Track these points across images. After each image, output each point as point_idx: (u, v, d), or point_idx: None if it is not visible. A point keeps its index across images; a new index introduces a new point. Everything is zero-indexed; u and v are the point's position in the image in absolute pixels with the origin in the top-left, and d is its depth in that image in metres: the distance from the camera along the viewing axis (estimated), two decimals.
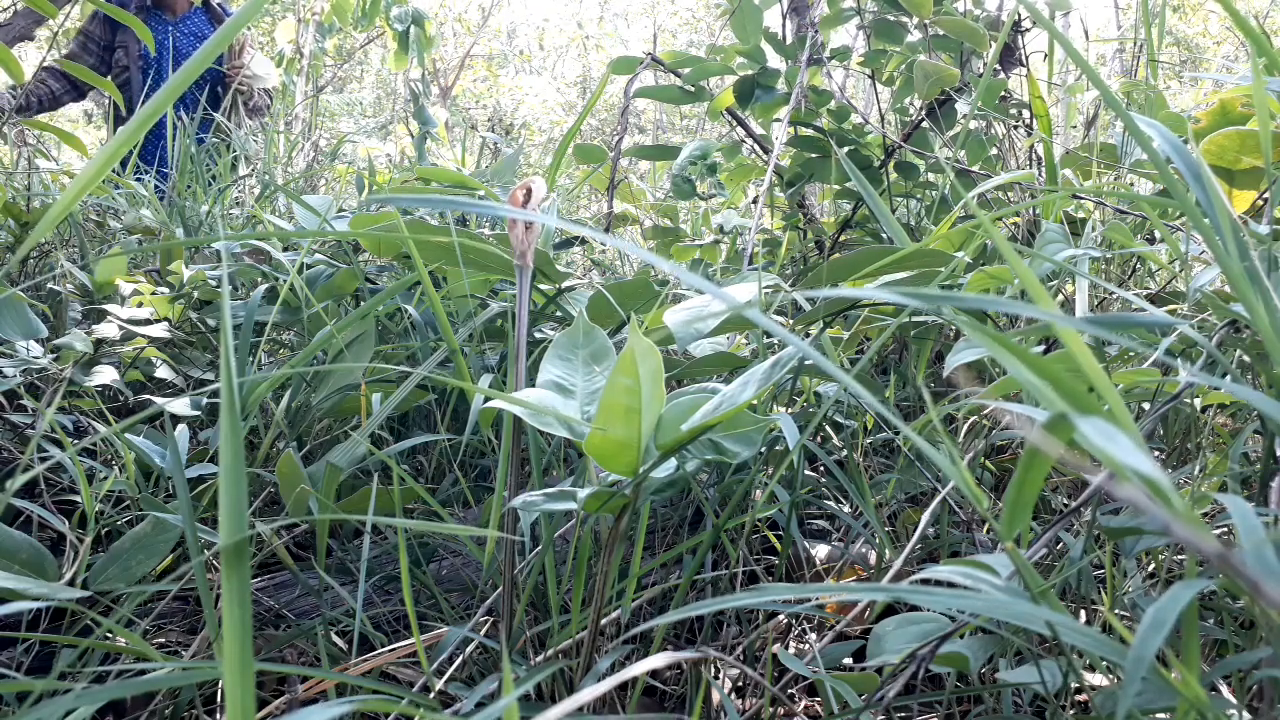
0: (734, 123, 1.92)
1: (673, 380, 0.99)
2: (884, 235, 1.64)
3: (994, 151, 1.68)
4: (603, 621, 0.73)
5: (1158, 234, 1.19)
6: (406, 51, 4.31)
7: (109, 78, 3.08)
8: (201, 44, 3.16)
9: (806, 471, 1.09)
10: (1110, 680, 0.71)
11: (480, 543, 0.88)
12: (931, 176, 1.69)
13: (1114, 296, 1.17)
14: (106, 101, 3.29)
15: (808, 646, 0.86)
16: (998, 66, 1.71)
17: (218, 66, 3.11)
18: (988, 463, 1.07)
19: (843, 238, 1.72)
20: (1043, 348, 0.99)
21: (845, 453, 1.07)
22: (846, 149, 1.66)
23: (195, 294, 1.21)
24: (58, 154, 2.90)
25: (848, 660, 0.81)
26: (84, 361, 1.03)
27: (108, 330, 1.06)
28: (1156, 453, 0.99)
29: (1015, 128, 1.64)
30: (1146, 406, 0.86)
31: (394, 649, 0.75)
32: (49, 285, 1.22)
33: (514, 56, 14.05)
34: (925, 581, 0.58)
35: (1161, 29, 1.67)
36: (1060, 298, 1.13)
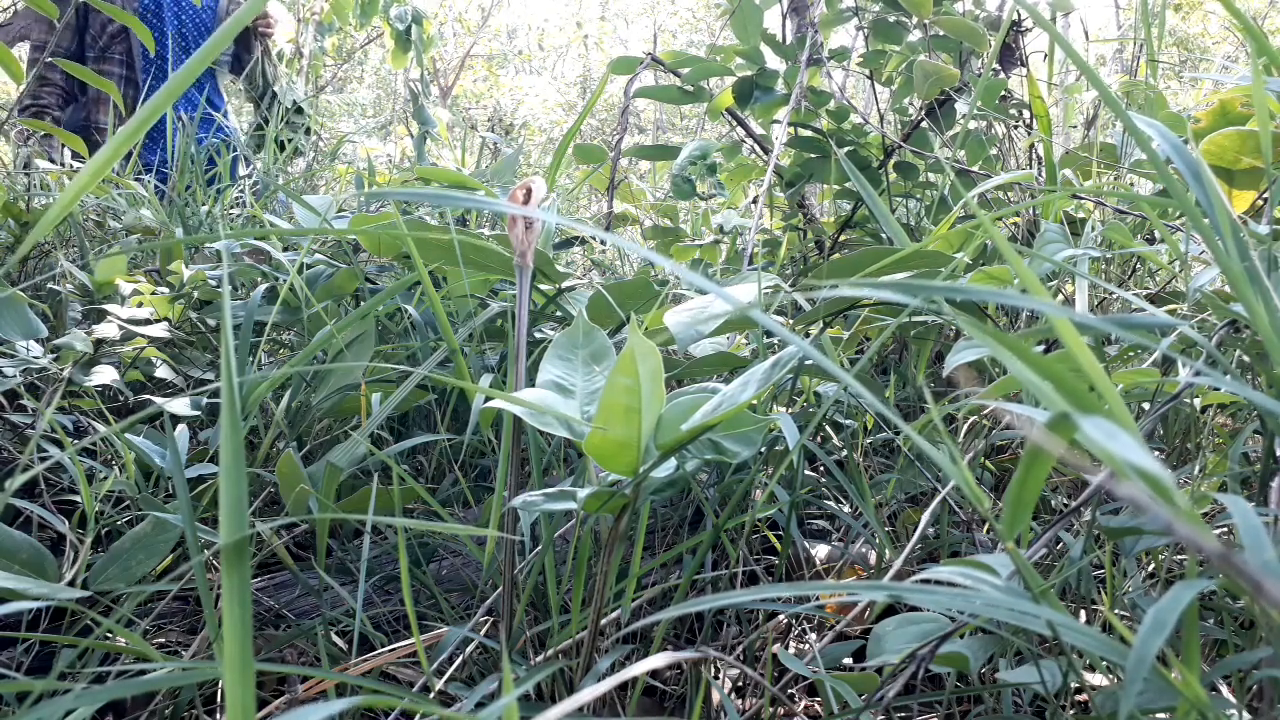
0: (734, 123, 1.92)
1: (673, 380, 0.99)
2: (884, 235, 1.64)
3: (994, 151, 1.68)
4: (603, 621, 0.73)
5: (1158, 234, 1.19)
6: (406, 51, 4.30)
7: (96, 28, 2.97)
8: None
9: (806, 471, 1.09)
10: (1110, 680, 0.71)
11: (480, 543, 0.88)
12: (931, 176, 1.69)
13: (1114, 296, 1.17)
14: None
15: (808, 646, 0.85)
16: (997, 66, 1.71)
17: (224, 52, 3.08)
18: (988, 463, 1.07)
19: (842, 238, 1.72)
20: (1042, 348, 0.99)
21: (845, 453, 1.07)
22: (846, 149, 1.66)
23: (195, 294, 1.21)
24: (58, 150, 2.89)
25: (848, 660, 0.81)
26: (84, 361, 1.03)
27: (108, 330, 1.06)
28: (1156, 453, 0.99)
29: (1015, 128, 1.64)
30: (1146, 406, 0.86)
31: (394, 649, 0.75)
32: (49, 285, 1.22)
33: (514, 56, 14.06)
34: (925, 581, 0.58)
35: (1161, 29, 1.67)
36: (1060, 298, 1.13)
